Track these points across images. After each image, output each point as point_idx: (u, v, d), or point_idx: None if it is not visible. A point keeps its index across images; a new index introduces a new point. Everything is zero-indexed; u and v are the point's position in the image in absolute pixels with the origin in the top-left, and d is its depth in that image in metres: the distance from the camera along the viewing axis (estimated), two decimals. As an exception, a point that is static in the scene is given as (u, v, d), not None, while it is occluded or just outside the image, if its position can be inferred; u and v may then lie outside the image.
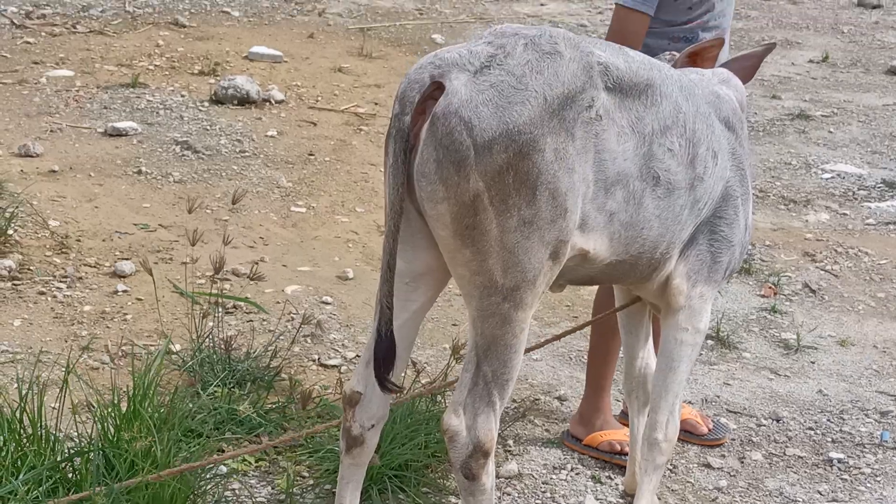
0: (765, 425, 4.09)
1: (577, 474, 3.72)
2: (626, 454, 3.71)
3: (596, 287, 3.94)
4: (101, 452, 3.10)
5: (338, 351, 4.32)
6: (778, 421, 4.11)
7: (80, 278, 4.69)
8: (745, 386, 4.35)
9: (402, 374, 2.97)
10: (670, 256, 3.02)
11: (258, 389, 3.92)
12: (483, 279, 2.66)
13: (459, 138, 2.56)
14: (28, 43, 7.65)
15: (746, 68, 3.44)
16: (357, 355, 4.31)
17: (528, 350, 3.90)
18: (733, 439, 3.98)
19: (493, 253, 2.64)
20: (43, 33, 7.86)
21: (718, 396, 4.26)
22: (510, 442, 3.84)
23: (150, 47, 7.72)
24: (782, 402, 4.24)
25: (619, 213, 2.81)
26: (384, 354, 2.71)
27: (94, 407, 3.28)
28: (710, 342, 4.63)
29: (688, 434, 3.94)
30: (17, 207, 5.00)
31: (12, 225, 4.94)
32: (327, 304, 4.68)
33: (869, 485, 3.77)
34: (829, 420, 4.14)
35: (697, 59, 3.38)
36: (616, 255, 2.87)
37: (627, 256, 2.89)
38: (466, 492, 2.79)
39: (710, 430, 3.95)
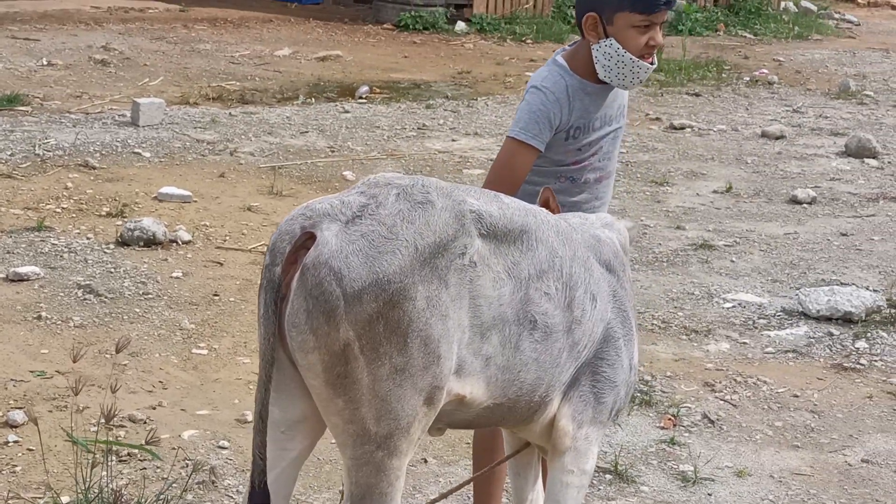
0: (661, 562, 4.09)
1: None
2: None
3: None
4: None
5: (232, 497, 4.27)
6: (673, 557, 4.12)
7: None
8: (643, 522, 4.35)
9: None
10: (550, 399, 3.04)
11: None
12: (356, 428, 2.67)
13: (329, 288, 2.60)
14: (-68, 189, 7.63)
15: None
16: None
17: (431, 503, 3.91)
18: (629, 577, 3.97)
19: (366, 401, 2.65)
20: (-51, 177, 7.83)
21: (616, 533, 4.26)
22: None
23: (58, 190, 7.72)
24: (679, 537, 4.25)
25: (495, 357, 2.84)
26: (256, 507, 2.69)
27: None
28: (607, 476, 4.64)
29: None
30: None
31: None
32: (224, 448, 4.64)
33: None
34: (724, 554, 4.15)
35: (545, 204, 3.45)
36: (493, 398, 2.89)
37: (505, 400, 2.92)
38: None
39: None
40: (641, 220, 7.95)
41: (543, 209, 3.09)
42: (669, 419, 5.15)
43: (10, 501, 4.01)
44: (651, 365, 5.73)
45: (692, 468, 4.71)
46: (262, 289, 2.67)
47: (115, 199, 7.54)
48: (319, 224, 2.65)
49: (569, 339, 3.00)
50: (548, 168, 3.73)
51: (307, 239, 2.64)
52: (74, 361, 3.97)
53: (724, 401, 5.40)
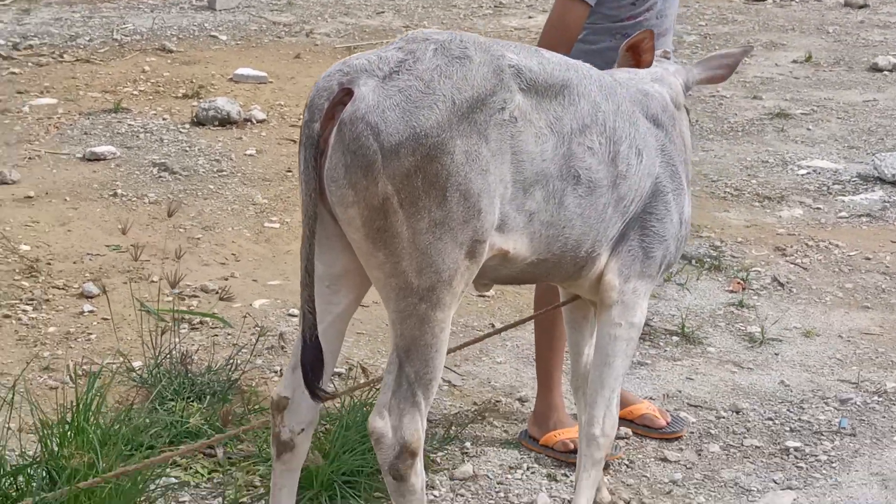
0: (724, 417, 4.11)
1: (532, 473, 3.75)
2: (580, 451, 3.75)
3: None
4: (45, 468, 3.15)
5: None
6: (737, 413, 4.13)
7: (48, 300, 4.75)
8: (708, 380, 4.37)
9: (331, 379, 3.01)
10: (598, 254, 3.05)
11: (217, 403, 3.97)
12: (398, 281, 2.70)
13: (366, 143, 2.61)
14: (14, 73, 7.75)
15: (723, 66, 3.48)
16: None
17: (465, 345, 3.95)
18: (692, 432, 4.00)
19: (406, 255, 2.68)
20: (30, 64, 7.96)
21: (680, 391, 4.28)
22: (467, 444, 3.87)
23: (135, 73, 7.81)
24: (743, 395, 4.26)
25: (539, 213, 2.85)
26: (310, 361, 2.74)
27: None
28: (674, 338, 4.65)
29: (646, 428, 3.97)
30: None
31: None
32: (293, 316, 4.72)
33: (824, 471, 3.79)
34: (788, 410, 4.16)
35: (635, 52, 3.40)
36: (538, 254, 2.91)
37: (550, 255, 2.93)
38: (396, 493, 2.82)
39: (668, 424, 3.98)
40: (718, 91, 7.83)
41: (586, 64, 3.05)
42: (738, 283, 5.13)
43: (84, 366, 4.15)
44: (722, 231, 5.70)
45: (759, 329, 4.70)
46: (301, 145, 2.69)
47: (192, 82, 7.62)
48: (357, 80, 2.66)
49: (614, 193, 2.99)
50: (602, 25, 3.68)
51: (345, 95, 2.65)
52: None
53: (795, 264, 5.36)
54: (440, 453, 3.81)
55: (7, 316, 4.60)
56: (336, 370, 4.12)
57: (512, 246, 2.84)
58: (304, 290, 2.74)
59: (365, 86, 2.65)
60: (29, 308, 4.67)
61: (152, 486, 3.49)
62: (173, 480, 3.57)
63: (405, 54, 2.70)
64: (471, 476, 3.70)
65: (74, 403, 3.33)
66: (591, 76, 2.99)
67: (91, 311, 4.68)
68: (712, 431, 4.02)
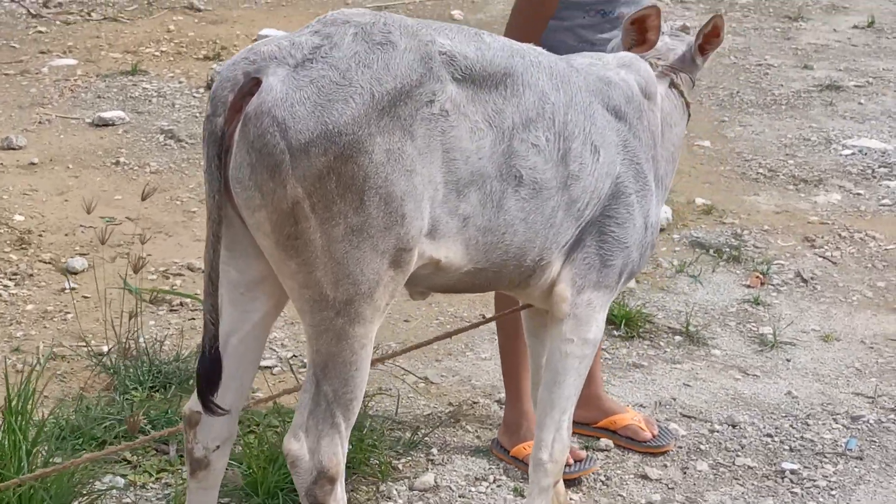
0: (718, 431, 3.78)
1: (498, 486, 3.48)
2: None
3: None
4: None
5: (275, 351, 4.13)
6: (734, 427, 3.81)
7: (31, 275, 4.57)
8: (707, 387, 4.04)
9: (251, 389, 2.76)
10: (548, 262, 2.75)
11: (182, 392, 3.76)
12: (312, 293, 2.44)
13: (272, 141, 2.34)
14: (40, 32, 7.59)
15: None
16: (294, 355, 4.12)
17: (423, 345, 3.66)
18: (680, 447, 3.69)
19: (321, 264, 2.41)
20: (57, 22, 7.78)
21: (675, 399, 3.96)
22: (434, 450, 3.60)
23: (160, 33, 7.60)
24: (744, 406, 3.93)
25: (474, 218, 2.56)
26: (207, 373, 2.50)
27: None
28: (677, 338, 4.33)
29: (629, 440, 3.67)
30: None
31: (-28, 222, 4.86)
32: (279, 301, 4.48)
33: (821, 499, 3.46)
34: (791, 426, 3.82)
35: (640, 28, 3.07)
36: (475, 262, 2.62)
37: (489, 264, 2.64)
38: (315, 521, 2.58)
39: (654, 437, 3.68)
40: (766, 60, 7.41)
41: (534, 47, 2.74)
42: (757, 277, 4.78)
43: (55, 349, 3.96)
44: (748, 217, 5.34)
45: (772, 331, 4.36)
46: (204, 141, 2.43)
47: (215, 42, 7.39)
48: (265, 68, 2.38)
49: (565, 195, 2.68)
50: (576, 0, 3.34)
51: (254, 85, 2.39)
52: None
53: (824, 257, 4.99)
54: (403, 459, 3.55)
55: (-12, 292, 4.44)
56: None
57: (444, 254, 2.55)
58: (206, 299, 2.49)
59: (274, 76, 2.37)
60: (11, 284, 4.50)
61: (98, 485, 3.30)
62: (121, 482, 3.36)
63: (321, 39, 2.42)
64: (431, 487, 3.43)
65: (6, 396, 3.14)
66: (541, 63, 2.68)
67: (73, 289, 4.48)
68: (703, 447, 3.70)
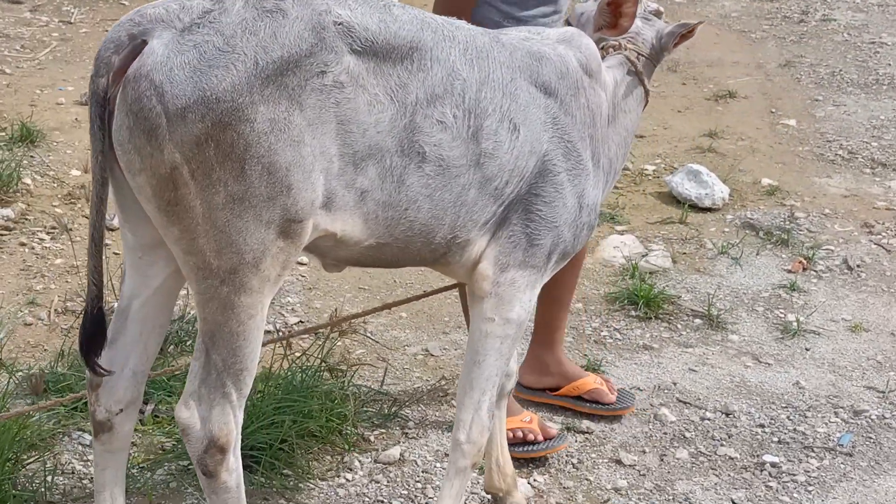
0: (709, 420, 3.65)
1: (463, 463, 3.43)
2: (527, 441, 3.42)
3: None
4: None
5: (282, 316, 4.16)
6: (727, 415, 3.67)
7: (70, 230, 4.70)
8: (713, 373, 3.90)
9: (157, 354, 2.78)
10: (465, 240, 2.68)
11: (184, 353, 3.82)
12: (196, 260, 2.44)
13: (149, 104, 2.34)
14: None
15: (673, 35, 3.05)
16: (300, 321, 4.14)
17: (385, 307, 3.58)
18: (664, 433, 3.57)
19: (202, 232, 2.40)
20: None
21: (675, 384, 3.83)
22: (410, 424, 3.58)
23: None
24: (745, 394, 3.78)
25: (372, 192, 2.51)
26: (89, 333, 2.52)
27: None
28: (696, 321, 4.18)
29: (596, 405, 3.60)
30: (40, 157, 5.06)
31: (30, 174, 5.02)
32: (302, 264, 4.52)
33: (795, 495, 3.30)
34: (787, 417, 3.65)
35: (615, 11, 2.97)
36: (376, 237, 2.57)
37: (392, 239, 2.59)
38: (207, 489, 2.58)
39: (616, 400, 3.61)
40: (880, 38, 7.05)
41: (454, 21, 2.65)
42: (800, 262, 4.58)
43: (68, 303, 4.06)
44: (811, 200, 5.11)
45: (798, 319, 4.17)
46: (89, 101, 2.45)
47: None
48: (151, 31, 2.37)
49: (477, 173, 2.60)
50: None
51: (140, 47, 2.38)
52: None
53: (878, 245, 4.74)
54: (376, 431, 3.53)
55: (23, 244, 4.58)
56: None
57: (340, 227, 2.51)
58: (90, 259, 2.51)
59: (158, 39, 2.36)
60: (47, 238, 4.63)
61: (66, 440, 3.39)
62: (87, 439, 3.44)
63: (213, 4, 2.39)
64: (396, 460, 3.41)
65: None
66: (455, 38, 2.60)
67: (106, 245, 4.59)
68: (687, 434, 3.57)
